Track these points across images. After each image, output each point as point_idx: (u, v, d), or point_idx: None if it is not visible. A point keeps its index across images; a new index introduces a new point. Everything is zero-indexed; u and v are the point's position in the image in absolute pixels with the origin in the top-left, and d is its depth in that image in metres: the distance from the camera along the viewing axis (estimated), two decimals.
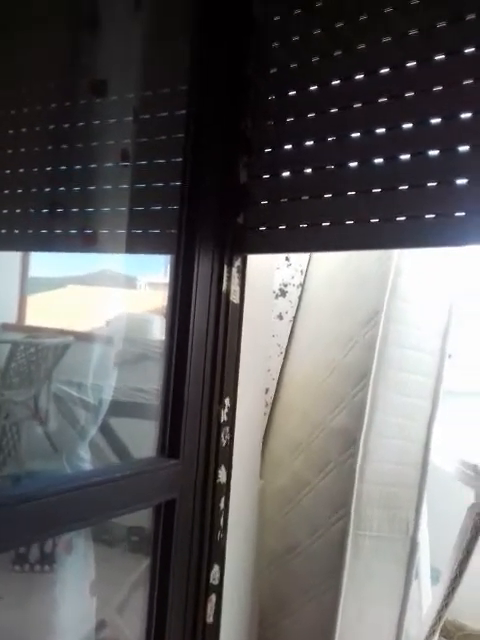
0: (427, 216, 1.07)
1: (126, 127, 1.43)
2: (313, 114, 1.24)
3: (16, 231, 1.74)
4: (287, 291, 1.73)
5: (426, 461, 1.36)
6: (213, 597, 1.27)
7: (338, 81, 1.21)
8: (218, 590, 1.29)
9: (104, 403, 2.06)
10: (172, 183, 1.33)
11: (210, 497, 1.26)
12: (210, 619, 1.27)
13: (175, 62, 1.37)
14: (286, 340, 1.74)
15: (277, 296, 1.72)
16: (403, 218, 1.10)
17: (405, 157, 1.12)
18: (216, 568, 1.28)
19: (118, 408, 2.14)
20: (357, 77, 1.19)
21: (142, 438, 1.44)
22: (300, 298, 1.74)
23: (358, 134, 1.18)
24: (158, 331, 2.97)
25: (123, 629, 1.78)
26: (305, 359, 1.65)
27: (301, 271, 1.75)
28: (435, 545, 1.80)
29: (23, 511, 0.92)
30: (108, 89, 1.42)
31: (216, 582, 1.28)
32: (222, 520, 1.29)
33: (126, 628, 1.77)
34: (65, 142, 1.57)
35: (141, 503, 1.15)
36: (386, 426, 1.35)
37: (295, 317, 1.73)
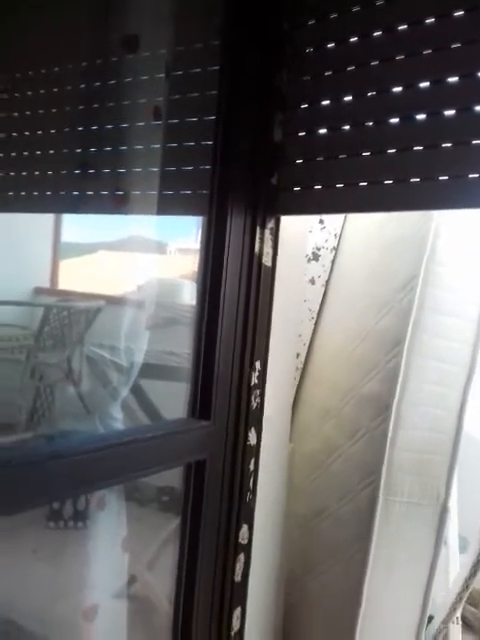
0: (471, 175, 1.02)
1: (158, 84, 1.39)
2: (352, 67, 1.18)
3: (48, 193, 1.73)
4: (320, 255, 1.70)
5: (460, 429, 1.34)
6: (241, 556, 1.29)
7: (379, 32, 1.16)
8: (247, 550, 1.31)
9: (135, 366, 2.08)
10: (204, 142, 1.30)
11: (240, 458, 1.26)
12: (238, 578, 1.29)
13: (208, 16, 1.32)
14: (318, 305, 1.71)
15: (310, 260, 1.68)
16: (445, 177, 1.06)
17: (449, 113, 1.07)
18: (245, 528, 1.29)
19: (149, 371, 2.16)
20: (400, 27, 1.13)
21: (172, 400, 1.45)
22: (333, 262, 1.70)
23: (400, 88, 1.13)
24: (188, 296, 2.98)
25: (152, 585, 1.83)
26: (337, 325, 1.63)
27: (335, 234, 1.71)
28: (463, 514, 1.79)
29: (55, 468, 0.93)
30: (140, 45, 1.38)
31: (245, 542, 1.30)
32: (251, 481, 1.30)
33: (155, 584, 1.82)
34: (96, 101, 1.55)
35: (172, 462, 1.16)
36: (420, 393, 1.32)
37: (328, 281, 1.70)
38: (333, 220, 1.71)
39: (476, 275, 1.37)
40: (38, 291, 3.68)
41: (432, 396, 1.33)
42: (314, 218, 1.67)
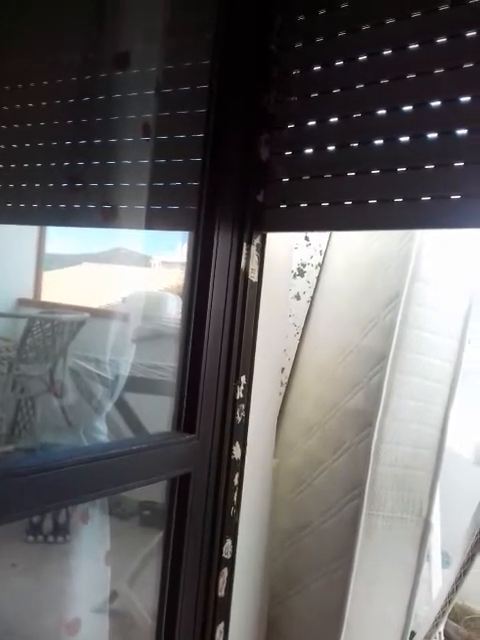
0: (453, 196, 1.05)
1: (147, 101, 1.41)
2: (338, 90, 1.22)
3: (34, 205, 1.74)
4: (305, 271, 1.72)
5: (442, 445, 1.36)
6: (225, 571, 1.29)
7: (365, 56, 1.19)
8: (230, 564, 1.30)
9: (120, 379, 2.07)
10: (193, 159, 1.32)
11: (224, 473, 1.27)
12: (221, 593, 1.28)
13: (198, 35, 1.35)
14: (303, 321, 1.73)
15: (295, 276, 1.70)
16: (428, 198, 1.08)
17: (432, 136, 1.10)
18: (228, 542, 1.29)
19: (133, 384, 2.16)
20: (385, 52, 1.17)
21: (155, 413, 1.45)
22: (318, 278, 1.73)
23: (384, 111, 1.16)
24: (172, 309, 2.98)
25: (134, 600, 1.81)
26: (321, 340, 1.64)
27: (320, 251, 1.74)
28: (446, 529, 1.81)
29: (39, 480, 0.93)
30: (130, 62, 1.40)
31: (228, 556, 1.29)
32: (235, 496, 1.30)
33: (137, 599, 1.81)
34: (85, 115, 1.56)
35: (156, 476, 1.16)
36: (403, 409, 1.34)
37: (313, 297, 1.72)
38: (318, 237, 1.74)
39: (458, 293, 1.40)
40: (21, 302, 3.64)
41: (415, 412, 1.35)
42: (300, 235, 1.70)
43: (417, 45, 1.13)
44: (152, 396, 2.14)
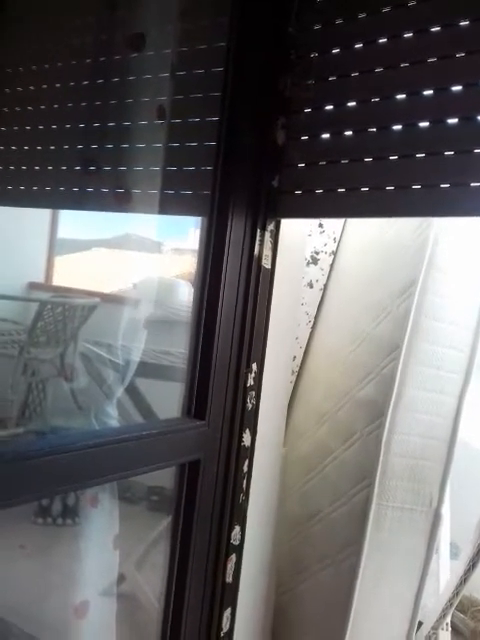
0: (473, 184, 1.03)
1: (162, 84, 1.39)
2: (357, 73, 1.19)
3: (47, 188, 1.73)
4: (319, 259, 1.70)
5: (455, 436, 1.34)
6: (233, 557, 1.29)
7: (385, 39, 1.16)
8: (238, 551, 1.31)
9: (130, 364, 2.07)
10: (207, 143, 1.30)
11: (234, 459, 1.27)
12: (229, 579, 1.29)
13: (214, 17, 1.32)
14: (315, 309, 1.71)
15: (308, 263, 1.69)
16: (447, 185, 1.06)
17: (452, 121, 1.07)
18: (237, 529, 1.29)
19: (142, 369, 2.16)
20: (406, 35, 1.14)
21: (165, 399, 1.44)
22: (332, 266, 1.71)
23: (404, 96, 1.13)
24: (183, 295, 2.97)
25: (141, 584, 1.82)
26: (334, 329, 1.63)
27: (334, 239, 1.72)
28: (455, 521, 1.80)
29: (50, 463, 0.93)
30: (145, 43, 1.38)
31: (237, 543, 1.30)
32: (245, 483, 1.30)
33: (144, 583, 1.82)
34: (99, 98, 1.54)
35: (167, 461, 1.16)
36: (415, 400, 1.33)
37: (326, 285, 1.71)
38: (332, 224, 1.72)
39: (474, 283, 1.38)
40: (32, 286, 3.65)
41: (428, 402, 1.33)
42: (314, 222, 1.68)
43: (439, 28, 1.10)
44: (161, 382, 2.14)
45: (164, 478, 1.36)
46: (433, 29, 1.11)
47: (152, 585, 1.76)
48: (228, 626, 1.30)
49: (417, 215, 1.28)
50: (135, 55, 1.43)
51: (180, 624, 1.20)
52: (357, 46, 1.19)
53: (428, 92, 1.11)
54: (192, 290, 1.29)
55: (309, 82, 1.26)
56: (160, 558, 1.27)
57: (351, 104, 1.20)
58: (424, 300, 1.33)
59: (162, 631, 1.23)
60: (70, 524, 2.36)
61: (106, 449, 1.02)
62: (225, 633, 1.29)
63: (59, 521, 2.38)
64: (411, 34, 1.13)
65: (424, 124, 1.10)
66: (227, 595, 1.29)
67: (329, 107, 1.23)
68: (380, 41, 1.17)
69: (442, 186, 1.06)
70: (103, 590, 1.43)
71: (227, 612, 1.29)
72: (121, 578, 1.79)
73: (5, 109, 1.77)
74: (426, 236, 1.34)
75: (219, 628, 1.27)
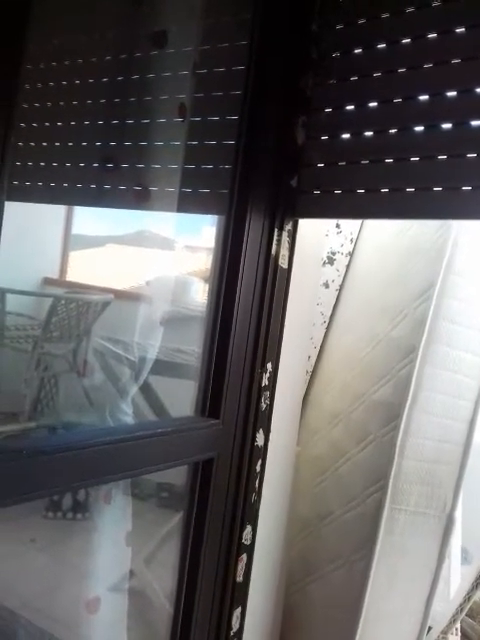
0: None
1: (183, 81, 1.39)
2: (379, 73, 1.18)
3: (65, 185, 1.73)
4: (335, 259, 1.70)
5: (470, 440, 1.33)
6: (244, 557, 1.29)
7: (408, 39, 1.15)
8: (249, 550, 1.30)
9: (144, 361, 2.08)
10: (226, 141, 1.30)
11: (247, 459, 1.26)
12: (240, 578, 1.29)
13: (236, 15, 1.32)
14: (330, 309, 1.71)
15: (324, 264, 1.68)
16: (468, 187, 1.05)
17: (476, 123, 1.06)
18: (248, 529, 1.29)
19: (155, 367, 2.16)
20: (429, 36, 1.13)
21: (177, 397, 1.44)
22: (348, 267, 1.70)
23: (426, 97, 1.12)
24: (196, 293, 2.97)
25: (150, 580, 1.83)
26: (349, 330, 1.62)
27: (351, 239, 1.71)
28: (466, 525, 1.79)
29: (65, 459, 0.93)
30: (168, 41, 1.38)
31: (248, 542, 1.29)
32: (257, 482, 1.30)
33: (153, 579, 1.82)
34: (119, 95, 1.54)
35: (180, 459, 1.16)
36: (431, 403, 1.32)
37: (341, 286, 1.70)
38: (349, 225, 1.71)
39: None
40: (47, 282, 3.67)
41: (444, 406, 1.32)
42: (331, 222, 1.67)
43: (463, 29, 1.09)
44: (174, 379, 2.14)
45: (174, 475, 1.36)
46: (457, 30, 1.10)
47: (161, 582, 1.77)
48: (238, 625, 1.30)
49: (437, 218, 1.27)
50: (156, 52, 1.43)
51: (190, 622, 1.21)
52: (380, 46, 1.19)
53: (451, 93, 1.10)
54: (205, 288, 1.29)
55: (330, 82, 1.25)
56: (169, 555, 1.27)
57: (372, 104, 1.19)
58: (442, 303, 1.32)
59: (172, 629, 1.23)
60: (80, 519, 2.37)
61: (121, 446, 1.02)
62: (235, 632, 1.29)
63: (69, 516, 2.39)
64: (435, 35, 1.12)
65: (446, 126, 1.10)
66: (237, 594, 1.29)
67: (350, 107, 1.23)
68: (403, 41, 1.16)
69: (464, 188, 1.05)
70: (115, 586, 1.44)
71: (237, 611, 1.29)
72: (131, 574, 1.79)
73: (25, 105, 1.78)
74: (445, 239, 1.33)
75: (229, 627, 1.27)
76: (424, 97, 1.13)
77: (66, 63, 1.67)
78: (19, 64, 0.80)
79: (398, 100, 1.16)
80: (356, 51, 1.23)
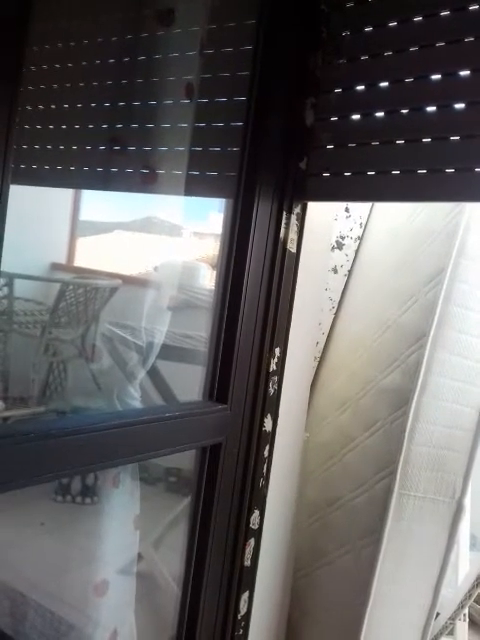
0: None
1: (190, 62, 1.37)
2: (390, 53, 1.16)
3: (72, 168, 1.72)
4: (344, 244, 1.68)
5: None
6: (252, 541, 1.29)
7: (420, 17, 1.13)
8: (257, 535, 1.31)
9: (152, 346, 2.07)
10: (234, 123, 1.28)
11: (255, 444, 1.26)
12: (248, 562, 1.29)
13: None
14: (339, 294, 1.69)
15: (333, 248, 1.66)
16: None
17: None
18: (256, 513, 1.29)
19: (163, 351, 2.16)
20: (442, 13, 1.10)
21: (185, 382, 1.44)
22: (357, 251, 1.68)
23: (439, 76, 1.10)
24: (204, 279, 2.96)
25: (158, 564, 1.84)
26: (358, 315, 1.61)
27: (360, 223, 1.69)
28: (475, 512, 1.78)
29: (74, 442, 0.93)
30: (175, 19, 1.35)
31: (255, 527, 1.30)
32: (265, 467, 1.30)
33: (161, 563, 1.83)
34: (126, 76, 1.52)
35: (188, 444, 1.16)
36: (441, 388, 1.31)
37: (351, 271, 1.68)
38: (359, 209, 1.69)
39: None
40: (55, 267, 3.67)
41: (453, 391, 1.31)
42: (340, 206, 1.65)
43: (477, 6, 1.06)
44: (182, 364, 2.14)
45: (181, 460, 1.36)
46: (471, 8, 1.07)
47: (169, 566, 1.78)
48: (245, 609, 1.31)
49: (449, 200, 1.25)
50: (163, 32, 1.40)
51: (198, 606, 1.21)
52: (391, 24, 1.16)
53: (465, 73, 1.07)
54: (213, 274, 1.28)
55: (340, 61, 1.23)
56: (177, 539, 1.27)
57: (383, 84, 1.17)
58: (453, 288, 1.30)
59: (180, 612, 1.24)
60: (89, 503, 2.39)
61: (130, 430, 1.02)
62: (242, 616, 1.30)
63: (78, 499, 2.41)
64: (447, 12, 1.10)
65: (459, 106, 1.07)
66: (245, 578, 1.29)
67: (360, 87, 1.20)
68: (415, 19, 1.13)
69: (477, 170, 1.03)
70: (123, 570, 1.45)
71: (245, 595, 1.30)
72: (139, 558, 1.80)
73: (30, 87, 1.76)
74: (457, 222, 1.31)
75: (236, 610, 1.28)
76: (436, 76, 1.10)
77: (72, 44, 1.65)
78: (24, 45, 0.79)
79: (410, 80, 1.13)
80: (366, 30, 1.20)
